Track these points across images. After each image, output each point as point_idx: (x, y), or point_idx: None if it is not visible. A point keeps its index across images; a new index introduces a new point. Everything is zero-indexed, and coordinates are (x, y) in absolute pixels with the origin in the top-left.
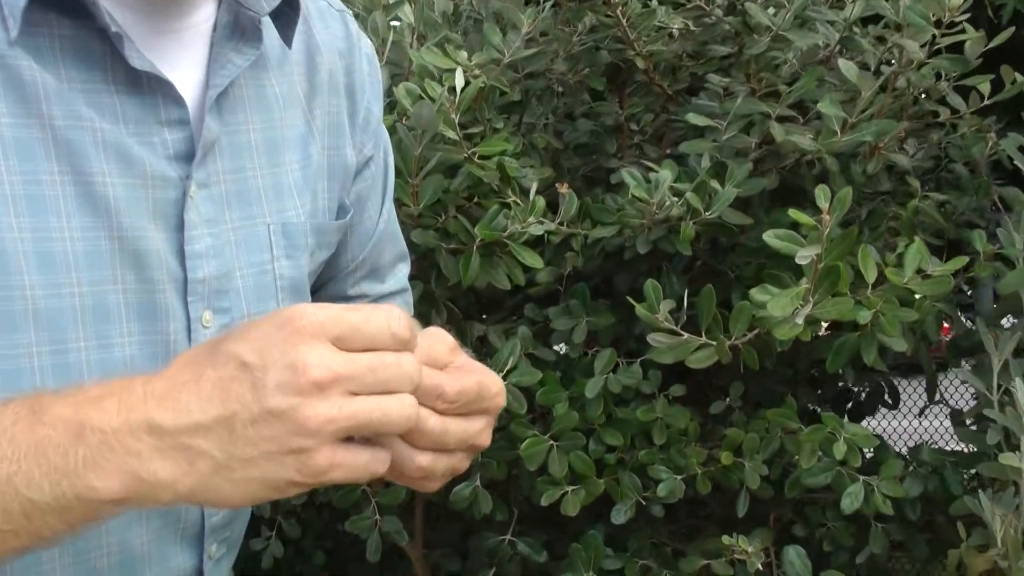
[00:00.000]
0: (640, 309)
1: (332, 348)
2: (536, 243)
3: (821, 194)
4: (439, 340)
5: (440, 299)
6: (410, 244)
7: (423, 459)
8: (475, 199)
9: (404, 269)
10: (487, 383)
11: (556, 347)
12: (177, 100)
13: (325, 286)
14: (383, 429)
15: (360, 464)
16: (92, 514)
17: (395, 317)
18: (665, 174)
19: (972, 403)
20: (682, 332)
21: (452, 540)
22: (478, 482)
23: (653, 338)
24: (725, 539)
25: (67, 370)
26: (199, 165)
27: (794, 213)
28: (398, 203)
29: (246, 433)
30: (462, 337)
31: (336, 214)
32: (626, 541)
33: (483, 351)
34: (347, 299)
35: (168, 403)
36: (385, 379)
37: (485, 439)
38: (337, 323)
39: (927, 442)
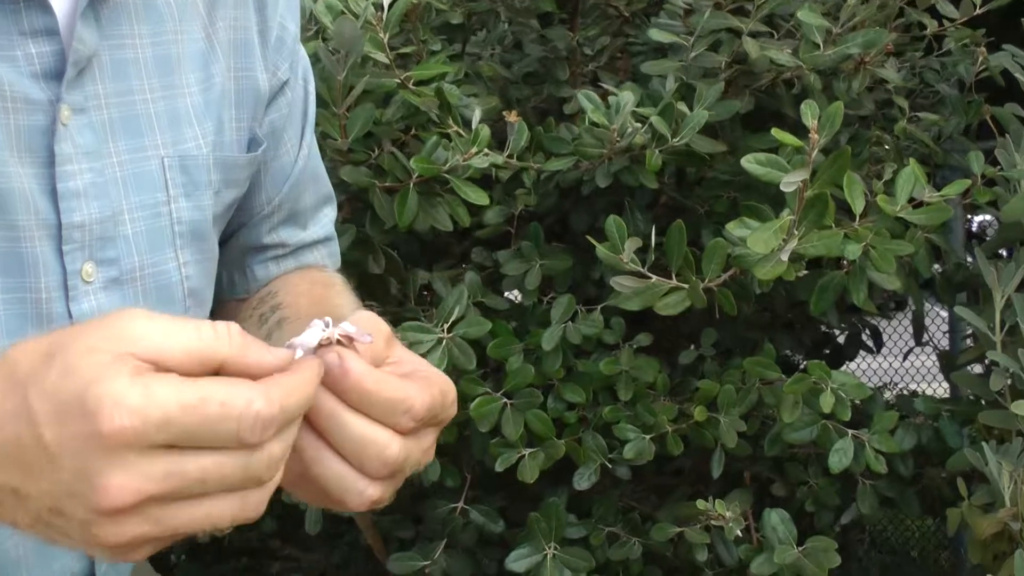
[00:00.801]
0: (602, 250)
1: (148, 456)
2: (485, 182)
3: (808, 111)
4: (374, 330)
5: (378, 244)
6: (340, 183)
7: (375, 491)
8: (412, 131)
9: (330, 214)
10: (446, 390)
11: (510, 295)
12: (42, 4)
13: (237, 233)
14: (206, 532)
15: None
16: None
17: (251, 414)
18: (626, 95)
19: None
20: (650, 275)
21: (403, 506)
22: None
23: (617, 282)
24: (700, 504)
25: None
26: (73, 85)
27: (777, 132)
28: (324, 136)
29: (41, 516)
30: (404, 286)
31: (247, 147)
32: (590, 506)
33: (428, 300)
34: (263, 248)
35: None
36: (221, 487)
37: (430, 455)
38: (162, 429)
39: (902, 386)
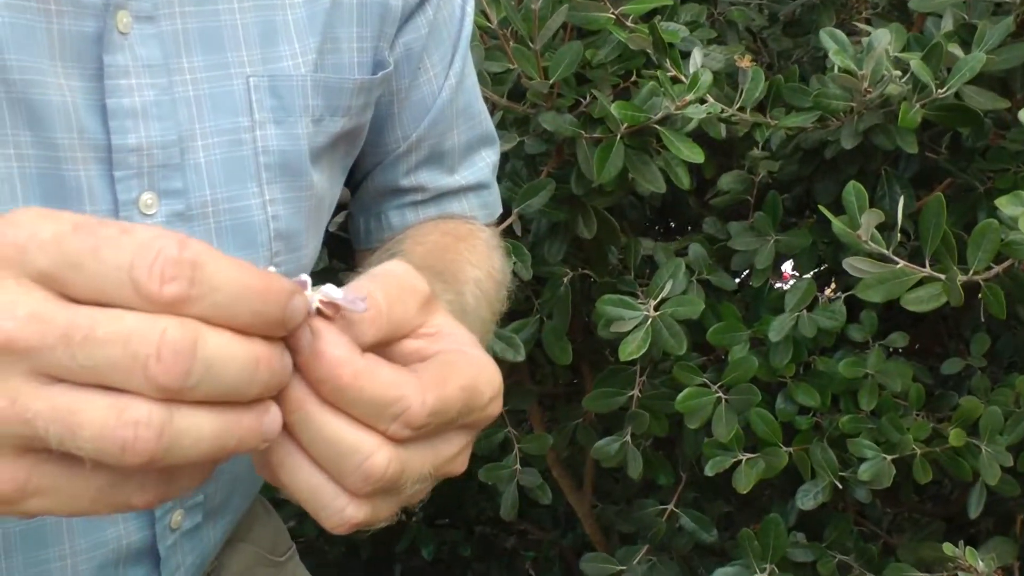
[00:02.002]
0: (838, 224)
1: (30, 289)
2: (721, 144)
3: None
4: (405, 290)
5: (589, 205)
6: (542, 132)
7: (357, 512)
8: (634, 77)
9: (488, 158)
10: (478, 386)
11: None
12: None
13: (371, 174)
14: (72, 449)
15: (78, 492)
16: None
17: (153, 250)
18: (881, 34)
19: None
20: (896, 259)
21: (632, 496)
22: (628, 437)
23: (851, 264)
24: (947, 548)
25: None
26: None
27: None
28: (525, 77)
29: None
30: (625, 254)
31: (371, 70)
32: (822, 527)
33: (650, 274)
34: (400, 192)
35: None
36: (97, 362)
37: (460, 465)
38: (47, 250)
39: None
